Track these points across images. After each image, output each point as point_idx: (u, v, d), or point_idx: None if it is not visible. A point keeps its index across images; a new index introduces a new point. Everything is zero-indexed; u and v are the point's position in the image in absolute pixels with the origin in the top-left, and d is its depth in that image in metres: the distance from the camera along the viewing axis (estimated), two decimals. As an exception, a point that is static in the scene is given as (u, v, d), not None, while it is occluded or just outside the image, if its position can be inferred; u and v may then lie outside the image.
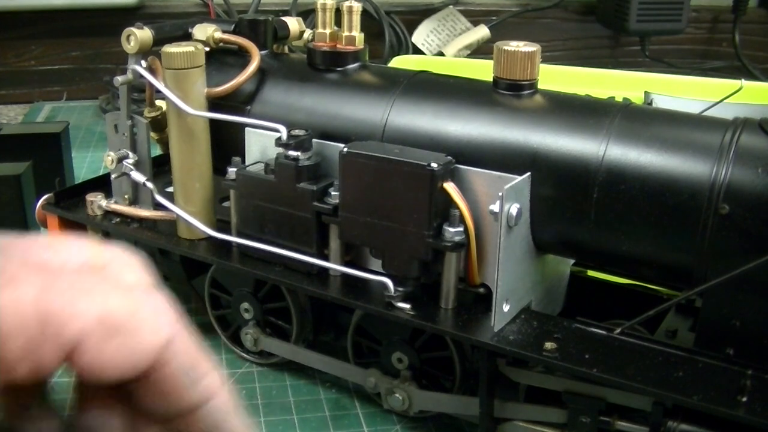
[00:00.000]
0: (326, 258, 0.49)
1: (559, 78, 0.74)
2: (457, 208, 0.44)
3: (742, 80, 0.60)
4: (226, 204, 0.54)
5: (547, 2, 1.24)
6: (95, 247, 0.29)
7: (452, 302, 0.46)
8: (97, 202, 0.57)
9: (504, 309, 0.44)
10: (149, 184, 0.55)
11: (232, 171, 0.51)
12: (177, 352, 0.27)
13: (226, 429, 0.28)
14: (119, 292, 0.27)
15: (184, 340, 0.28)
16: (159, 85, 0.52)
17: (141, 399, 0.28)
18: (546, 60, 0.50)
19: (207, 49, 0.54)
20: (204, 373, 0.28)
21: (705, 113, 0.49)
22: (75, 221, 0.58)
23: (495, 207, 0.42)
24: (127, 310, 0.27)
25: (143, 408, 0.28)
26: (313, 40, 0.55)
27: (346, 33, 0.53)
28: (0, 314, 0.24)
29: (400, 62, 1.00)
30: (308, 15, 1.06)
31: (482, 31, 1.20)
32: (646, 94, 0.69)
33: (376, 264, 0.48)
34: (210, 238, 0.53)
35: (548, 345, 0.42)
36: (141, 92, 0.57)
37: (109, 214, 0.57)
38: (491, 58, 0.48)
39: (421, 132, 0.47)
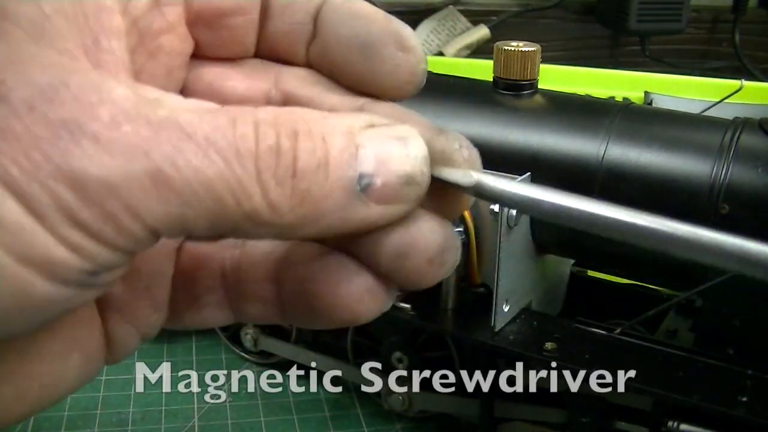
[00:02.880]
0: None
1: (559, 78, 0.74)
2: (457, 208, 0.44)
3: (742, 80, 0.60)
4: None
5: (547, 2, 1.24)
6: None
7: (452, 302, 0.46)
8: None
9: (504, 309, 0.44)
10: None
11: (232, 171, 0.51)
12: None
13: (358, 9, 0.26)
14: None
15: None
16: (159, 84, 0.52)
17: (264, 34, 0.26)
18: (546, 60, 0.50)
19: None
20: None
21: (705, 113, 0.49)
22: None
23: (495, 207, 0.42)
24: None
25: (269, 49, 0.27)
26: (313, 40, 0.55)
27: (346, 33, 0.53)
28: None
29: (400, 62, 0.99)
30: (308, 15, 1.06)
31: (482, 31, 1.20)
32: (646, 94, 0.69)
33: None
34: (210, 238, 0.53)
35: (548, 345, 0.42)
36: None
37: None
38: (491, 58, 0.48)
39: (421, 132, 0.47)
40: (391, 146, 0.22)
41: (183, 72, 0.25)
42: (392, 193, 0.21)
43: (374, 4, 0.28)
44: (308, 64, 0.27)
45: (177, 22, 0.24)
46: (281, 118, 0.20)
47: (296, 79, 0.26)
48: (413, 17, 1.18)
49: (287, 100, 0.26)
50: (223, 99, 0.25)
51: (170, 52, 0.25)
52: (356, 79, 0.26)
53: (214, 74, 0.26)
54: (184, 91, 0.26)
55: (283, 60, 0.27)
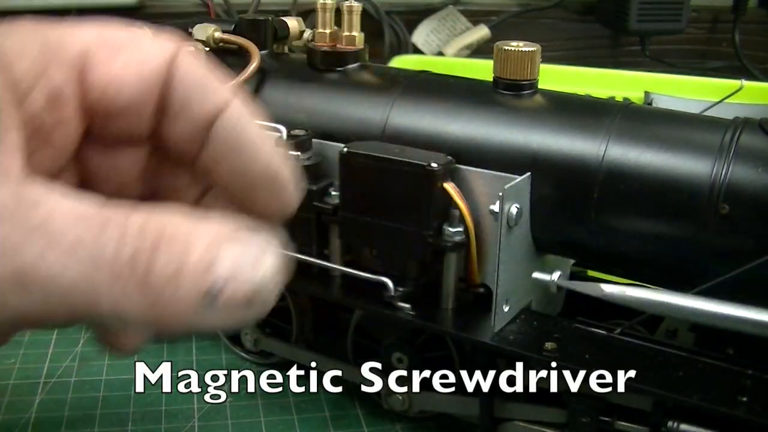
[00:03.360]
0: (326, 258, 0.49)
1: (559, 78, 0.74)
2: (457, 208, 0.44)
3: (742, 80, 0.60)
4: (226, 204, 0.54)
5: (547, 2, 1.24)
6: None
7: (452, 302, 0.46)
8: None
9: (504, 309, 0.44)
10: (149, 184, 0.55)
11: (232, 171, 0.51)
12: (185, 65, 0.27)
13: (246, 138, 0.28)
14: (116, 25, 0.27)
15: (190, 55, 0.28)
16: (159, 85, 0.52)
17: (160, 130, 0.28)
18: (546, 60, 0.50)
19: (207, 49, 0.54)
20: (216, 84, 0.28)
21: (705, 113, 0.49)
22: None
23: (495, 207, 0.42)
24: (127, 32, 0.27)
25: (170, 148, 0.28)
26: (313, 40, 0.55)
27: (346, 33, 0.53)
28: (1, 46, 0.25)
29: (400, 62, 0.99)
30: (308, 15, 1.06)
31: (482, 31, 1.20)
32: (646, 94, 0.69)
33: (376, 264, 0.48)
34: (210, 238, 0.53)
35: (548, 345, 0.42)
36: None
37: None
38: (491, 58, 0.48)
39: (421, 132, 0.47)
40: (247, 259, 0.23)
41: (73, 153, 0.27)
42: (241, 302, 0.23)
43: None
44: (195, 162, 0.28)
45: (71, 116, 0.26)
46: (150, 225, 0.22)
47: (181, 175, 0.29)
48: (413, 17, 1.18)
49: (168, 190, 0.29)
50: (110, 180, 0.28)
51: (63, 142, 0.26)
52: (232, 196, 0.28)
53: (105, 157, 0.28)
54: (77, 166, 0.28)
55: (174, 153, 0.28)
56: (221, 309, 0.23)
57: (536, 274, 0.43)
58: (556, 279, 0.43)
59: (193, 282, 0.22)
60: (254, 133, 0.28)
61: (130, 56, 0.26)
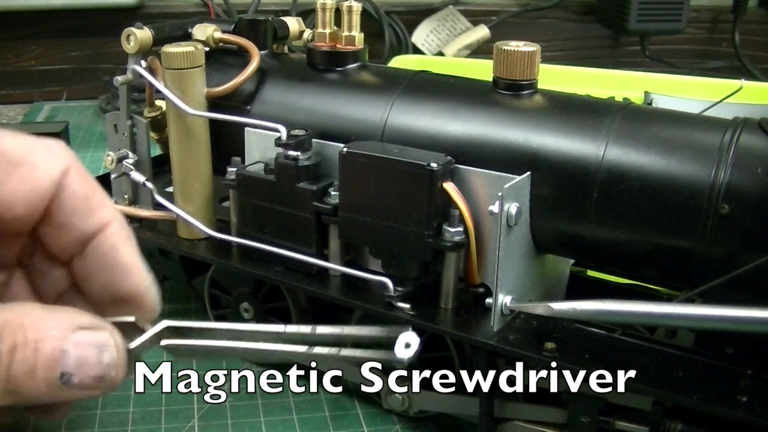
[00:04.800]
0: (326, 258, 0.49)
1: (559, 78, 0.74)
2: (457, 208, 0.44)
3: (742, 80, 0.60)
4: (225, 204, 0.54)
5: (547, 2, 1.24)
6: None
7: (452, 302, 0.46)
8: (97, 202, 0.57)
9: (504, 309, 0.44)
10: (149, 184, 0.55)
11: (231, 171, 0.51)
12: (73, 182, 0.32)
13: (120, 261, 0.33)
14: (14, 135, 0.32)
15: (80, 170, 0.33)
16: (159, 85, 0.52)
17: (42, 232, 0.33)
18: (546, 60, 0.50)
19: (207, 49, 0.54)
20: (99, 203, 0.33)
21: (705, 113, 0.49)
22: (75, 221, 0.58)
23: (495, 207, 0.42)
24: (23, 146, 0.31)
25: (46, 246, 0.33)
26: (312, 40, 0.55)
27: (345, 33, 0.53)
28: None
29: (400, 62, 0.99)
30: (308, 15, 1.06)
31: (482, 31, 1.20)
32: (646, 94, 0.68)
33: (376, 264, 0.48)
34: (210, 238, 0.53)
35: (548, 345, 0.42)
36: (141, 92, 0.57)
37: (109, 214, 0.57)
38: (491, 58, 0.48)
39: (421, 132, 0.47)
40: (90, 352, 0.30)
41: None
42: (89, 385, 0.30)
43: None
44: (69, 266, 0.34)
45: None
46: (8, 328, 0.28)
47: (54, 267, 0.35)
48: (413, 17, 1.18)
49: (40, 272, 0.35)
50: None
51: None
52: (97, 303, 0.34)
53: None
54: None
55: (51, 253, 0.34)
56: (75, 389, 0.30)
57: (488, 300, 0.44)
58: (508, 303, 0.44)
59: (45, 373, 0.29)
60: (128, 256, 0.33)
61: (21, 177, 0.31)
